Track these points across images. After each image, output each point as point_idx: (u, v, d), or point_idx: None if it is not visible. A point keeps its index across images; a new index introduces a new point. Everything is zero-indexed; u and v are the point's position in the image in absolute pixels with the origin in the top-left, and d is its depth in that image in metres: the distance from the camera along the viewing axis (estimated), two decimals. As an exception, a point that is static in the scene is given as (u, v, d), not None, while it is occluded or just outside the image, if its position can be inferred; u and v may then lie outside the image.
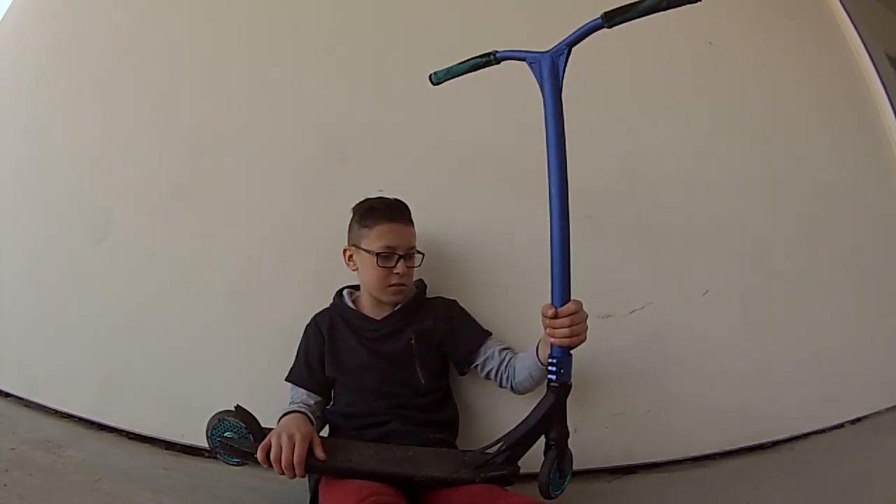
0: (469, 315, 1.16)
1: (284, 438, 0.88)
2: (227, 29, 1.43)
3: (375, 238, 1.08)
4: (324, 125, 1.34)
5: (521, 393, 1.08)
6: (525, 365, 1.05)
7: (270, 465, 0.87)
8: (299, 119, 1.35)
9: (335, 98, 1.36)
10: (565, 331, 0.89)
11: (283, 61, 1.39)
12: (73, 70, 1.53)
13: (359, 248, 1.10)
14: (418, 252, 1.12)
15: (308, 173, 1.33)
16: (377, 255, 1.07)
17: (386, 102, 1.34)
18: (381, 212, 1.10)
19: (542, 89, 0.93)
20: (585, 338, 0.92)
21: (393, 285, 1.08)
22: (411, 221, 1.12)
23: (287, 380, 1.10)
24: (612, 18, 0.85)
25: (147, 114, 1.42)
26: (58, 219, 1.44)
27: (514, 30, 1.31)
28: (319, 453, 0.89)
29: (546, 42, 0.93)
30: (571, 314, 0.89)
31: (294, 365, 1.11)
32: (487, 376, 1.12)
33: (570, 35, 0.90)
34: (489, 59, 0.99)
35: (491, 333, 1.14)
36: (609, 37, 1.35)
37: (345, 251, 1.13)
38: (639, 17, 0.85)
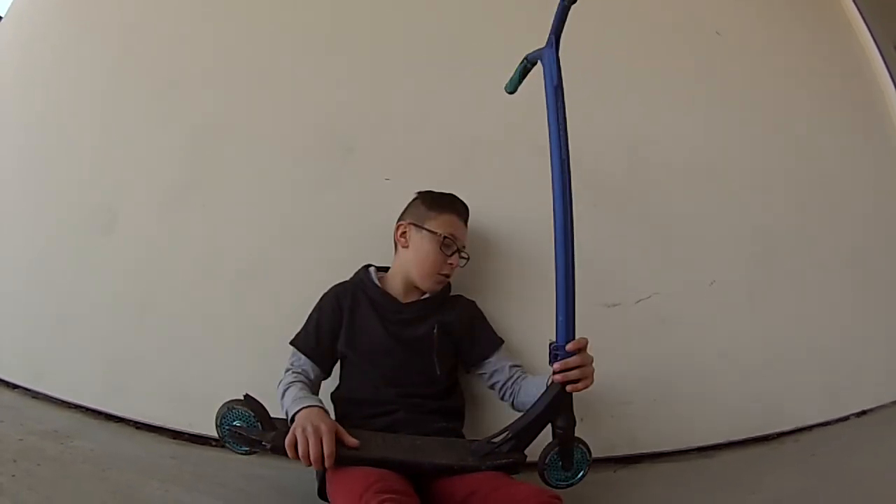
0: (486, 318, 1.17)
1: (310, 431, 0.86)
2: (232, 21, 1.43)
3: (444, 224, 1.10)
4: (330, 115, 1.34)
5: (518, 411, 1.07)
6: (536, 392, 1.00)
7: (298, 459, 0.86)
8: (305, 110, 1.34)
9: (341, 89, 1.35)
10: (576, 373, 0.91)
11: (288, 52, 1.38)
12: (78, 64, 1.53)
13: (421, 227, 1.11)
14: (465, 256, 1.14)
15: (314, 164, 1.32)
16: (443, 238, 1.09)
17: (392, 92, 1.34)
18: (453, 204, 1.14)
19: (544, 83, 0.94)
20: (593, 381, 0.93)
21: (442, 274, 1.10)
22: (467, 226, 1.16)
23: (292, 343, 1.08)
24: None
25: (152, 106, 1.42)
26: (64, 211, 1.43)
27: (514, 21, 1.31)
28: (351, 441, 0.89)
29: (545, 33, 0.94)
30: (580, 366, 0.91)
31: (302, 331, 1.09)
32: (492, 387, 1.12)
33: (552, 25, 0.93)
34: (526, 65, 1.04)
35: (503, 341, 1.15)
36: (619, 27, 1.37)
37: (398, 226, 1.14)
38: None
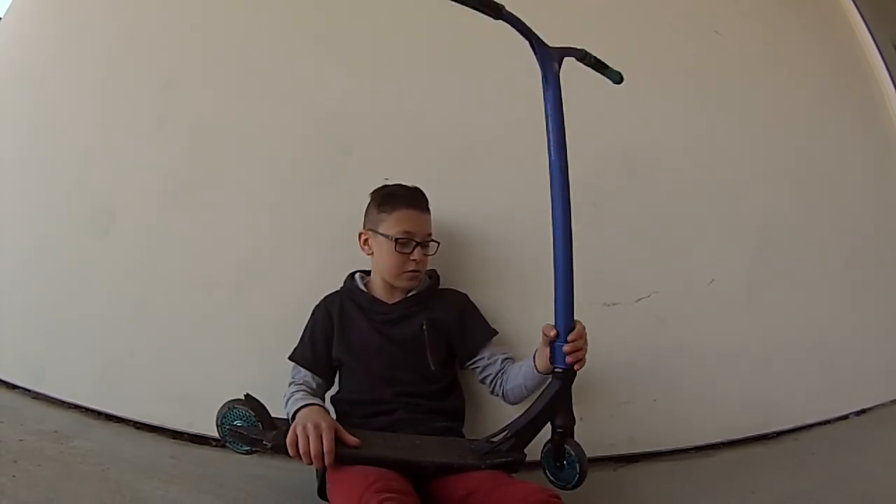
0: (478, 310, 1.17)
1: (310, 428, 0.87)
2: (230, 20, 1.43)
3: (394, 223, 1.08)
4: (327, 116, 1.34)
5: (511, 402, 1.09)
6: (521, 372, 1.05)
7: (299, 457, 0.87)
8: (302, 110, 1.34)
9: (338, 89, 1.35)
10: (580, 353, 0.93)
11: (285, 52, 1.38)
12: (76, 63, 1.53)
13: (376, 232, 1.10)
14: (433, 241, 1.13)
15: (312, 164, 1.33)
16: (395, 240, 1.07)
17: (389, 93, 1.34)
18: (401, 198, 1.11)
19: (545, 80, 0.93)
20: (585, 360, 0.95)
21: (408, 272, 1.09)
22: (429, 210, 1.13)
23: (290, 359, 1.09)
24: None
25: (150, 106, 1.42)
26: (62, 211, 1.44)
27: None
28: (351, 440, 0.89)
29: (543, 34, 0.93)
30: (579, 338, 0.93)
31: (298, 345, 1.11)
32: (483, 381, 1.13)
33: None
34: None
35: (497, 332, 1.14)
36: (617, 27, 1.37)
37: (360, 235, 1.14)
38: None
